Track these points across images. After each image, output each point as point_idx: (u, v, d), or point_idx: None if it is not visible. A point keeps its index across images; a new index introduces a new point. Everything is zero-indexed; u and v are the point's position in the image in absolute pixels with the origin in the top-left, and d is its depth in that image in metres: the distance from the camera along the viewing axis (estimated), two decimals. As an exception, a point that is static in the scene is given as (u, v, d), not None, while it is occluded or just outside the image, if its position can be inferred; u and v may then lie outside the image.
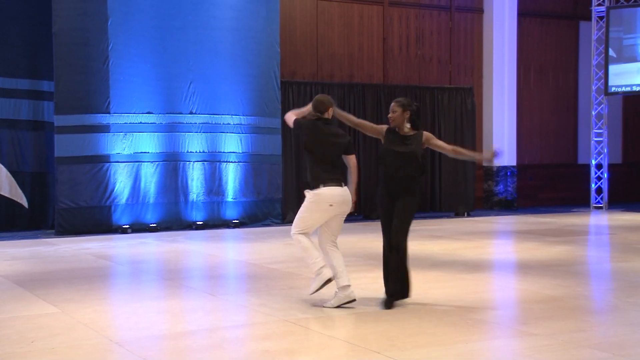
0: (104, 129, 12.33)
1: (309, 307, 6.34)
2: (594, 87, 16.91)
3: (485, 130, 16.64)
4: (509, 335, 5.59)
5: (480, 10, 16.76)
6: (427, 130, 6.97)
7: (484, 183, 16.72)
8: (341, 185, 6.32)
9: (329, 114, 6.43)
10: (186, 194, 12.92)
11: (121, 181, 12.43)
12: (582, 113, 17.99)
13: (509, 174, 16.67)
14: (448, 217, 15.05)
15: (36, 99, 12.73)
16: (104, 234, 12.06)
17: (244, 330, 5.75)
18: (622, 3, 16.53)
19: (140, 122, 12.56)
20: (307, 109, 6.53)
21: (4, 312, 6.30)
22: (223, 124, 13.15)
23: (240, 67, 13.25)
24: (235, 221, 13.14)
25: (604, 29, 16.52)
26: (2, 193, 12.58)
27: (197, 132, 12.96)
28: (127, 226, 12.36)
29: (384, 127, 6.62)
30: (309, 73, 15.00)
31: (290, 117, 6.60)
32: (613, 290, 7.31)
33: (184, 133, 12.88)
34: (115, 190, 12.40)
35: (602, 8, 16.61)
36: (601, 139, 16.87)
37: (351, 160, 6.47)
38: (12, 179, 12.63)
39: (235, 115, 13.24)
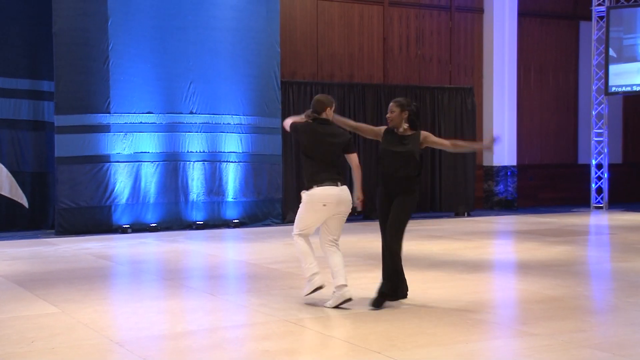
0: (104, 129, 12.34)
1: (309, 307, 6.34)
2: (594, 87, 16.91)
3: (486, 131, 16.62)
4: (509, 335, 5.59)
5: (480, 10, 16.77)
6: (427, 131, 6.97)
7: (484, 183, 16.72)
8: (337, 185, 6.28)
9: (327, 114, 6.41)
10: (186, 193, 12.92)
11: (121, 181, 12.43)
12: (582, 113, 17.99)
13: (509, 173, 16.67)
14: (448, 217, 15.05)
15: (36, 99, 12.73)
16: (104, 234, 12.06)
17: (244, 330, 5.75)
18: (622, 3, 16.53)
19: (141, 122, 12.56)
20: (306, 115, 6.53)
21: (4, 312, 6.30)
22: (223, 124, 13.15)
23: (241, 67, 13.25)
24: (236, 221, 13.14)
25: (604, 29, 16.52)
26: (3, 193, 12.58)
27: (197, 132, 12.96)
28: (127, 226, 12.36)
29: (382, 128, 6.63)
30: (309, 73, 15.00)
31: (287, 122, 6.62)
32: (613, 290, 7.31)
33: (184, 133, 12.88)
34: (115, 190, 12.40)
35: (603, 8, 16.61)
36: (601, 139, 16.87)
37: (353, 159, 6.44)
38: (13, 179, 12.63)
39: (236, 115, 13.24)
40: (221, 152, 13.16)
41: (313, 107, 6.43)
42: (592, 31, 17.01)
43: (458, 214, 15.33)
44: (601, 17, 16.74)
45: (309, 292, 6.39)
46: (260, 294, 6.98)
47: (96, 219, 12.28)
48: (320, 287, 6.32)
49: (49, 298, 6.83)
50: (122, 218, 12.43)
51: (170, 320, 6.13)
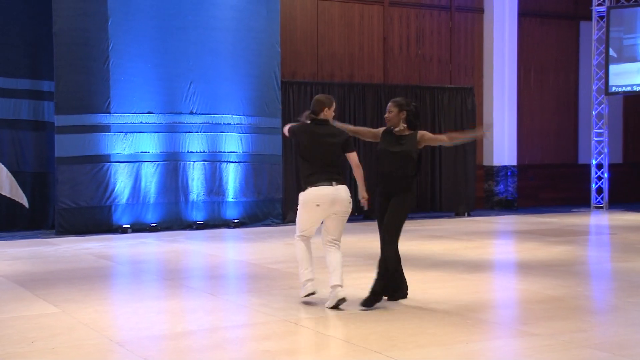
0: (105, 129, 12.33)
1: (309, 307, 6.34)
2: (594, 87, 16.91)
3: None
4: (509, 335, 5.59)
5: (480, 10, 16.76)
6: (427, 131, 6.96)
7: (484, 183, 16.71)
8: (332, 185, 6.26)
9: (325, 114, 6.40)
10: (186, 193, 12.92)
11: (121, 181, 12.43)
12: (582, 113, 17.98)
13: (509, 173, 16.67)
14: (448, 217, 15.04)
15: (36, 99, 12.73)
16: (104, 234, 12.06)
17: (245, 330, 5.75)
18: (622, 3, 16.52)
19: (141, 122, 12.56)
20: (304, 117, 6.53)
21: (4, 312, 6.30)
22: (223, 123, 13.15)
23: (241, 67, 13.25)
24: (236, 221, 13.14)
25: (604, 29, 16.51)
26: (3, 193, 12.58)
27: (197, 132, 12.96)
28: (128, 226, 12.36)
29: (381, 129, 6.64)
30: (309, 73, 15.00)
31: (286, 128, 6.65)
32: (614, 290, 7.31)
33: (184, 133, 12.88)
34: (115, 190, 12.40)
35: (603, 8, 16.60)
36: (602, 138, 16.86)
37: (352, 158, 6.41)
38: (13, 178, 12.63)
39: (236, 115, 13.24)
40: (221, 152, 13.16)
41: (312, 107, 6.44)
42: (592, 31, 17.00)
43: (458, 214, 15.33)
44: (601, 17, 16.74)
45: (303, 296, 6.44)
46: (260, 294, 6.97)
47: (96, 219, 12.28)
48: (312, 294, 6.38)
49: (50, 298, 6.83)
50: (122, 218, 12.43)
51: (171, 320, 6.13)
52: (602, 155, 16.83)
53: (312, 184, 6.27)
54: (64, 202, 12.06)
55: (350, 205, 6.35)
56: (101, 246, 10.70)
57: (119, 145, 12.41)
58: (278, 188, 13.59)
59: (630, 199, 18.00)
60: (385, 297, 6.52)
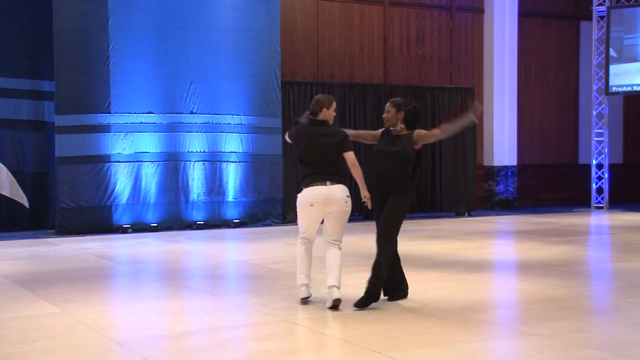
0: (105, 129, 12.34)
1: (309, 307, 6.34)
2: (594, 87, 16.91)
3: (486, 130, 16.63)
4: (509, 335, 5.59)
5: (480, 10, 16.76)
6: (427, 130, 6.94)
7: (484, 183, 16.71)
8: (326, 184, 6.24)
9: (324, 114, 6.39)
10: (187, 193, 12.92)
11: (122, 181, 12.43)
12: (582, 113, 17.98)
13: (509, 174, 16.66)
14: (448, 217, 15.04)
15: (37, 99, 12.73)
16: (104, 234, 12.06)
17: (245, 330, 5.75)
18: (622, 3, 16.52)
19: (141, 122, 12.56)
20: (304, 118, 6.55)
21: (4, 312, 6.30)
22: (224, 123, 13.15)
23: (241, 67, 13.25)
24: (236, 221, 13.14)
25: (604, 29, 16.51)
26: (3, 193, 12.58)
27: (197, 132, 12.96)
28: (128, 226, 12.36)
29: (380, 130, 6.64)
30: (309, 73, 15.00)
31: (287, 135, 6.69)
32: (614, 290, 7.31)
33: (184, 133, 12.88)
34: (115, 190, 12.40)
35: (603, 8, 16.60)
36: (602, 138, 16.86)
37: (347, 158, 6.33)
38: (13, 178, 12.63)
39: (236, 115, 13.24)
40: (221, 152, 13.16)
41: (311, 107, 6.45)
42: (592, 31, 17.00)
43: (458, 214, 15.33)
44: (602, 17, 16.74)
45: (300, 298, 6.48)
46: (260, 294, 6.97)
47: (96, 219, 12.28)
48: (306, 298, 6.42)
49: (50, 298, 6.83)
50: (122, 218, 12.43)
51: (171, 320, 6.13)
52: (603, 155, 16.83)
53: (307, 185, 6.29)
54: (64, 202, 12.06)
55: (348, 205, 6.30)
56: (101, 246, 10.70)
57: (119, 145, 12.41)
58: (278, 188, 13.59)
59: (631, 199, 18.00)
60: (385, 297, 6.53)
